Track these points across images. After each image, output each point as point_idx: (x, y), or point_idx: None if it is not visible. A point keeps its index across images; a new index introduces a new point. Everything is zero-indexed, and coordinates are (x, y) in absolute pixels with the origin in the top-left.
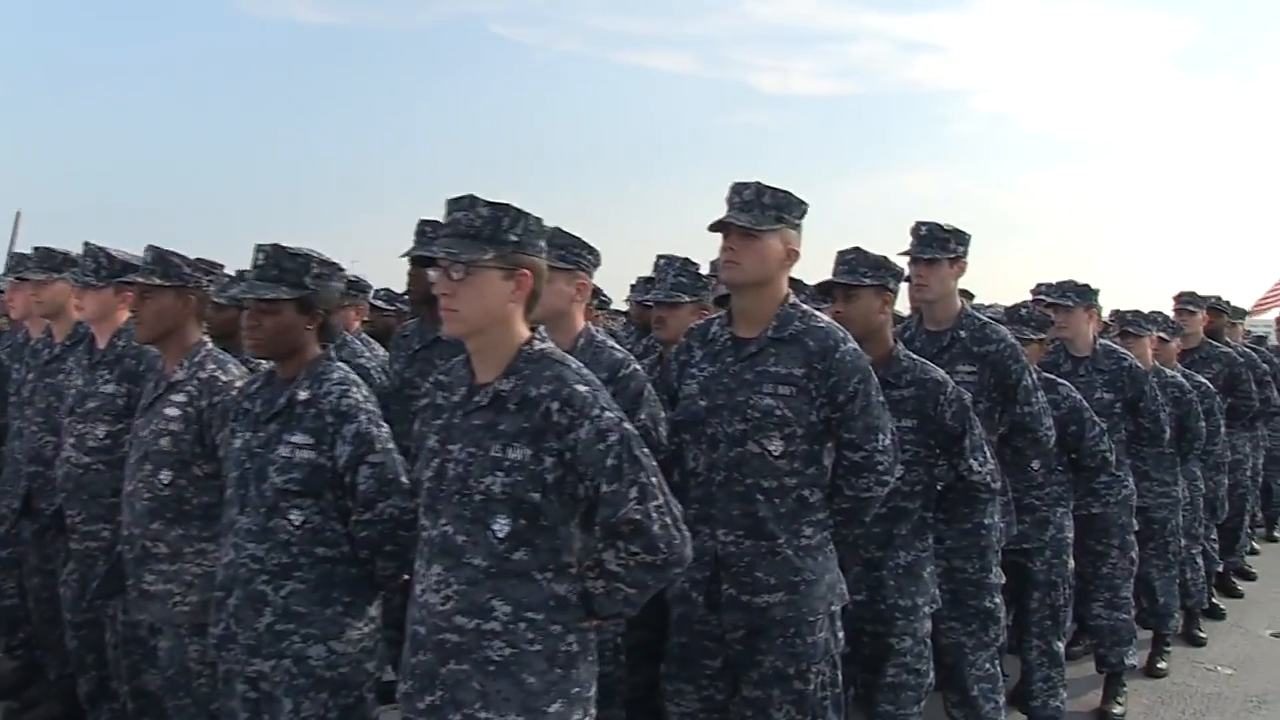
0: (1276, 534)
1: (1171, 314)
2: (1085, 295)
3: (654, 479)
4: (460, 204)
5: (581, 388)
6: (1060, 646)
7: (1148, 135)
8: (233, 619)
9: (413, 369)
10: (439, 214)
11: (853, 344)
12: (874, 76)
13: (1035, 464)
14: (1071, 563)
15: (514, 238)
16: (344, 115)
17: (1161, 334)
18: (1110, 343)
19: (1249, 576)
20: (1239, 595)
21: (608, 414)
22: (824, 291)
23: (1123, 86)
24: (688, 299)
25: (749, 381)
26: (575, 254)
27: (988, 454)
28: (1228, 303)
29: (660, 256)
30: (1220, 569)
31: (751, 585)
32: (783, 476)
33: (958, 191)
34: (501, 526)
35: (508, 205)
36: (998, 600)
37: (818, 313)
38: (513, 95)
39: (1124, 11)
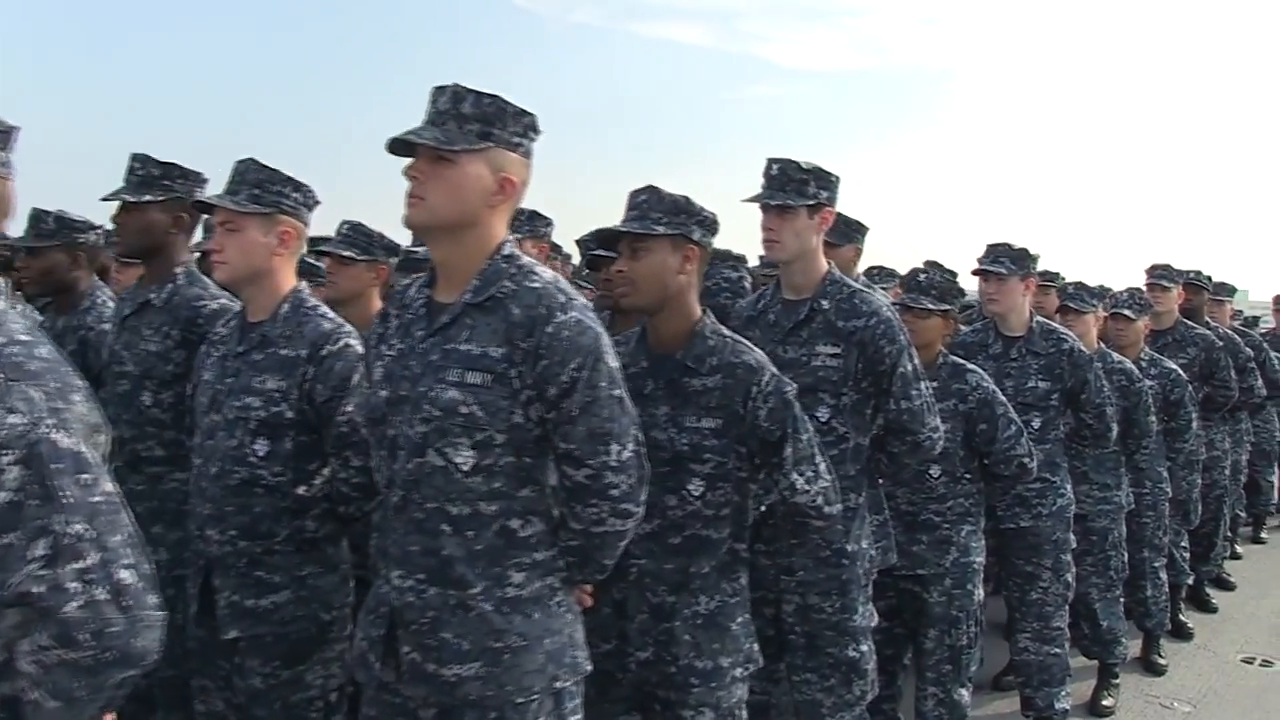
0: (1264, 536)
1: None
2: (1022, 262)
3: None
4: None
5: None
6: (964, 694)
7: None
8: None
9: None
10: None
11: (575, 313)
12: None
13: (934, 471)
14: (980, 593)
15: None
16: (359, 81)
17: (1124, 311)
18: (1049, 321)
19: (1227, 586)
20: (1212, 610)
21: None
22: (604, 243)
23: None
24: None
25: (434, 365)
26: (275, 193)
27: (821, 466)
28: (1208, 278)
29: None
30: (1192, 580)
31: (437, 650)
32: (477, 500)
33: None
34: None
35: None
36: (864, 648)
37: (547, 271)
38: (526, 64)
39: None
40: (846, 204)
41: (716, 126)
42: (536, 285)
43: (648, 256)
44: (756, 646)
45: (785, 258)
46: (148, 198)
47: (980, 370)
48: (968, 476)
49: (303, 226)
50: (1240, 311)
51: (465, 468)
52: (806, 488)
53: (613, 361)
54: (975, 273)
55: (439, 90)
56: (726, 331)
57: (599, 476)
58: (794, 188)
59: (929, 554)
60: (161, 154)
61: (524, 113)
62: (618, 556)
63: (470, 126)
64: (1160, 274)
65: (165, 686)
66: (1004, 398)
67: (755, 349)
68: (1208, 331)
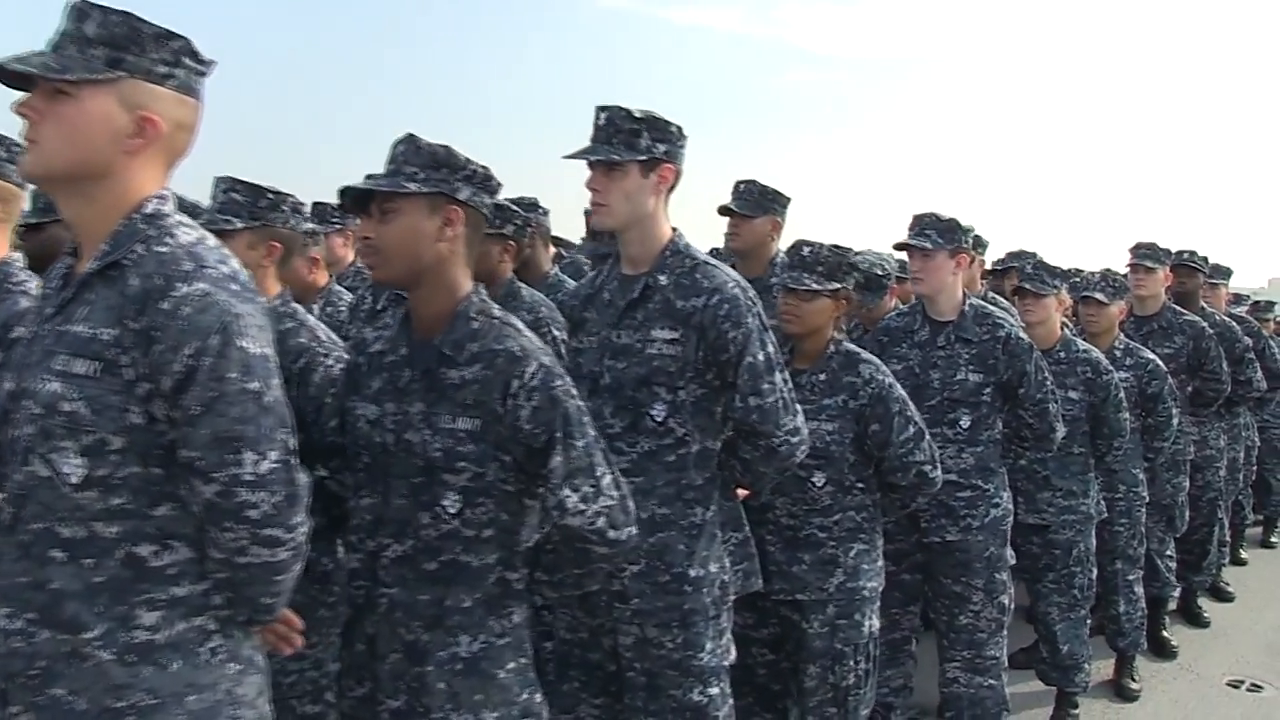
0: (1274, 539)
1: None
2: (951, 235)
3: None
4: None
5: None
6: None
7: None
8: None
9: None
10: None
11: (203, 284)
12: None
13: (818, 480)
14: (872, 624)
15: None
16: (389, 68)
17: (1095, 294)
18: (982, 303)
19: (1224, 597)
20: (1204, 624)
21: None
22: (354, 205)
23: None
24: None
25: (46, 352)
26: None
27: (605, 480)
28: (1204, 259)
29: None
30: (1179, 592)
31: (50, 711)
32: (91, 521)
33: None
34: None
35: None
36: (713, 691)
37: (194, 232)
38: (556, 50)
39: None
40: (881, 193)
41: (750, 113)
42: (164, 250)
43: (397, 219)
44: (539, 697)
45: (614, 224)
46: None
47: (876, 361)
48: (860, 486)
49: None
50: (1246, 296)
51: (74, 480)
52: (581, 506)
53: (255, 347)
54: (898, 246)
55: (68, 8)
56: (498, 312)
57: (230, 493)
58: (622, 140)
59: (810, 576)
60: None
61: (171, 35)
62: (283, 593)
63: (95, 51)
64: (1144, 253)
65: None
66: (903, 394)
67: (526, 334)
68: (1197, 318)
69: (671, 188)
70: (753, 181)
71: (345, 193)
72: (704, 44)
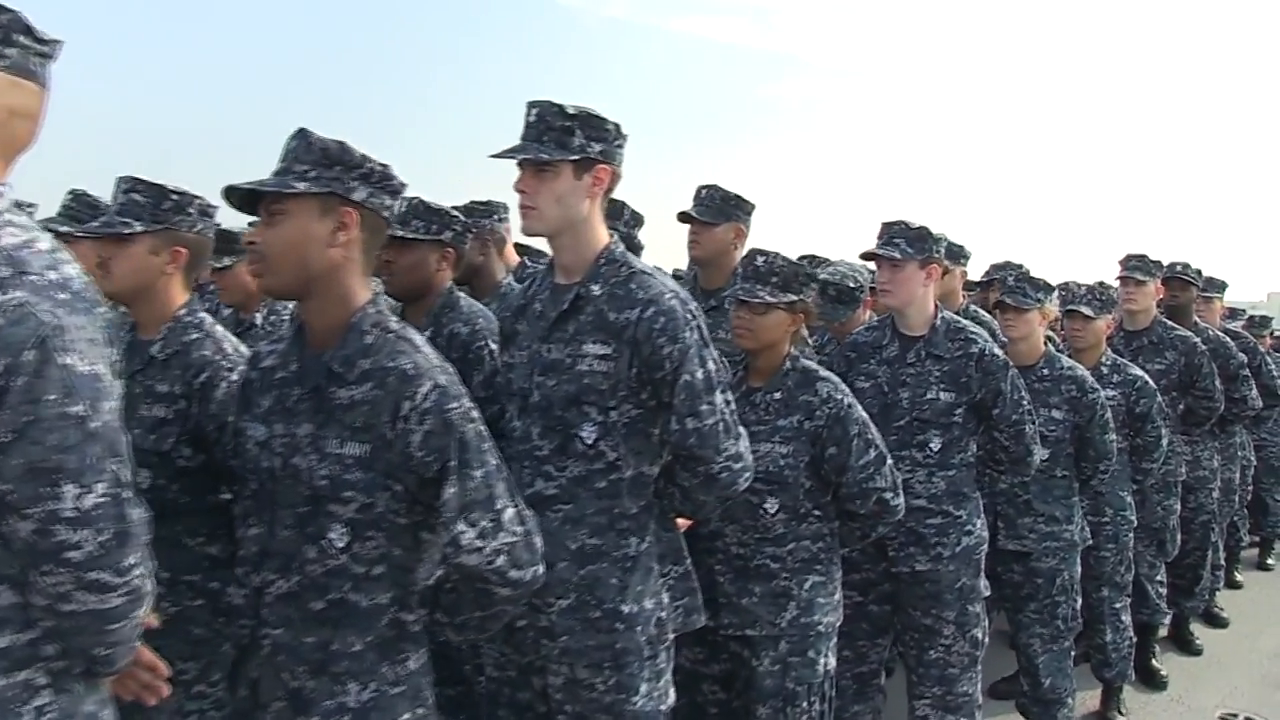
0: (1271, 561)
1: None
2: (921, 244)
3: None
4: None
5: None
6: None
7: None
8: None
9: None
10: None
11: (20, 292)
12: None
13: (770, 506)
14: (828, 662)
15: None
16: (392, 75)
17: (1081, 308)
18: (956, 317)
19: (1218, 623)
20: (1196, 652)
21: None
22: (243, 206)
23: None
24: None
25: None
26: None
27: (506, 515)
28: (1197, 271)
29: None
30: (1169, 619)
31: None
32: None
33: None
34: None
35: None
36: None
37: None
38: (557, 59)
39: None
40: (900, 206)
41: (751, 124)
42: None
43: (285, 222)
44: None
45: (544, 229)
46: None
47: (835, 379)
48: (816, 514)
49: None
50: (1243, 311)
51: None
52: (478, 544)
53: (83, 364)
54: (865, 256)
55: None
56: (395, 325)
57: (48, 531)
58: (554, 138)
59: (761, 610)
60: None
61: None
62: (122, 643)
63: None
64: (1135, 265)
65: None
66: (864, 415)
67: (424, 350)
68: (1189, 333)
69: (608, 191)
70: (714, 186)
71: (230, 192)
72: (705, 53)
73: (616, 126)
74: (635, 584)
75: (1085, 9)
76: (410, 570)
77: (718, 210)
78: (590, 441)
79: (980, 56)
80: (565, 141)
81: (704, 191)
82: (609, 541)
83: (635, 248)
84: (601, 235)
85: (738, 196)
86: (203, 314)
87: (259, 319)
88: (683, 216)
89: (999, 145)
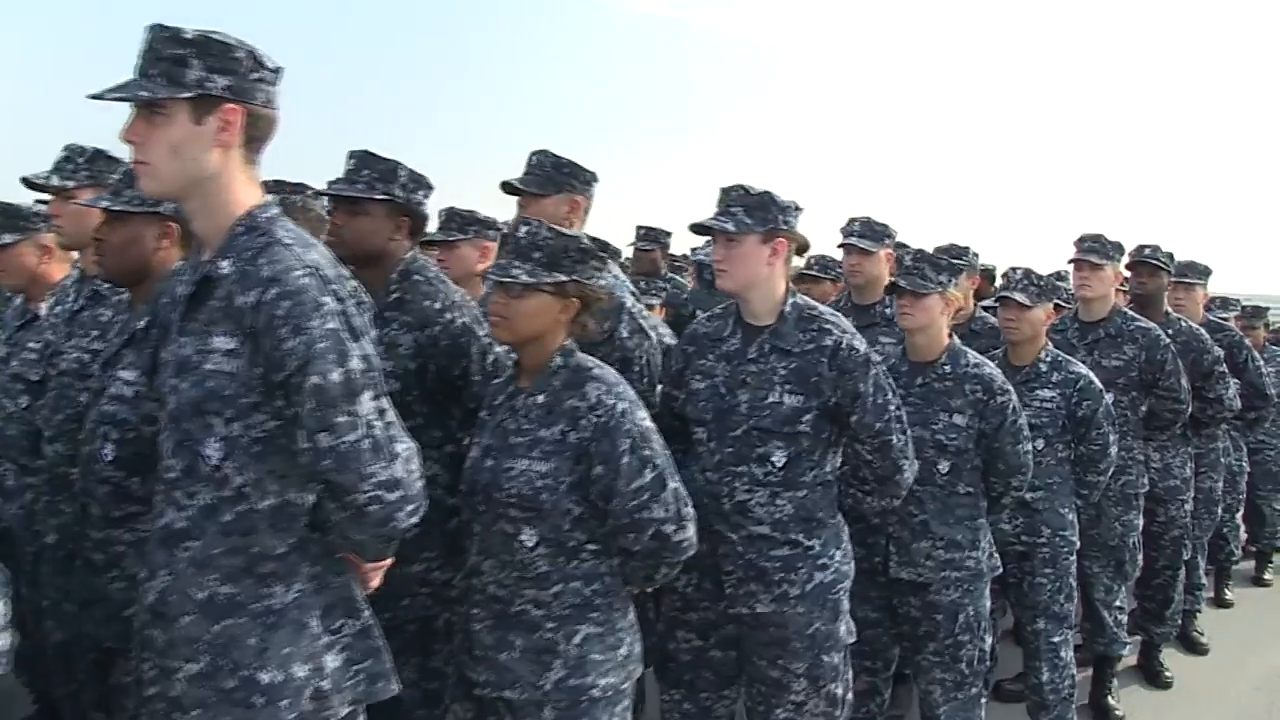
0: (1268, 576)
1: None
2: (765, 215)
3: None
4: None
5: None
6: None
7: None
8: None
9: None
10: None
11: None
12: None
13: (527, 538)
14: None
15: None
16: (424, 69)
17: (1013, 294)
18: (812, 302)
19: (1197, 649)
20: (1165, 684)
21: None
22: None
23: None
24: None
25: None
26: None
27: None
28: (1168, 255)
29: None
30: (1129, 649)
31: None
32: None
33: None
34: None
35: None
36: None
37: None
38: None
39: None
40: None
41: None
42: None
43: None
44: None
45: (160, 190)
46: None
47: (612, 379)
48: (590, 548)
49: None
50: (1236, 301)
51: None
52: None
53: None
54: (694, 229)
55: None
56: None
57: None
58: (163, 70)
59: (522, 668)
60: None
61: None
62: None
63: None
64: (1090, 247)
65: None
66: (644, 425)
67: None
68: (1152, 325)
69: (255, 140)
70: (545, 152)
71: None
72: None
73: (251, 53)
74: (280, 645)
75: None
76: None
77: (547, 179)
78: (214, 462)
79: (973, 33)
80: (178, 74)
81: (534, 158)
82: (245, 590)
83: None
84: (241, 198)
85: (573, 163)
86: None
87: (43, 308)
88: (506, 187)
89: (992, 133)
